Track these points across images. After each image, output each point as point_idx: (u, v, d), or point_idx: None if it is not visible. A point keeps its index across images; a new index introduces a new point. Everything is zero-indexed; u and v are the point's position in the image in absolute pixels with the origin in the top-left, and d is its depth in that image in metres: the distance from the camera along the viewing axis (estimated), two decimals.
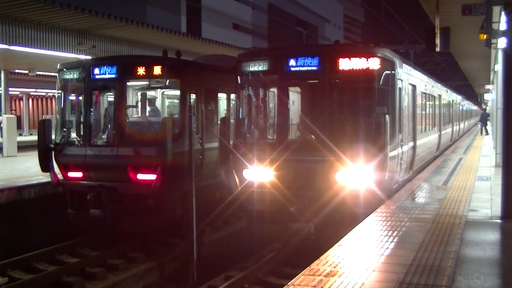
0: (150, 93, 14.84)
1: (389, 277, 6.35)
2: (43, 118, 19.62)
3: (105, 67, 12.79)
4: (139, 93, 15.17)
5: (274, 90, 12.15)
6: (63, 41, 21.64)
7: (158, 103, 15.38)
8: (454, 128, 30.09)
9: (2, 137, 24.42)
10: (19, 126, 38.14)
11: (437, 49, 18.97)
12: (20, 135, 37.82)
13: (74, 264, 11.79)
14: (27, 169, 17.29)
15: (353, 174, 10.45)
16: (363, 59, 10.67)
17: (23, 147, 25.18)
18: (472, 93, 75.32)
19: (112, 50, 24.17)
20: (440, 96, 21.72)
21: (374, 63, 10.70)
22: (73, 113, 13.84)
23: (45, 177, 14.17)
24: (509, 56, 10.23)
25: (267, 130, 12.30)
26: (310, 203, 10.71)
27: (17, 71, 31.55)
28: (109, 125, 13.50)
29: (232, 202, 12.21)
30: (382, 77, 10.98)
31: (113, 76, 12.74)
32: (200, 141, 13.61)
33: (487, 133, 40.91)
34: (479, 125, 43.80)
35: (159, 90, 15.04)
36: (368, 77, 10.89)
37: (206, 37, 31.28)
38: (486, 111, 46.69)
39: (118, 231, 12.92)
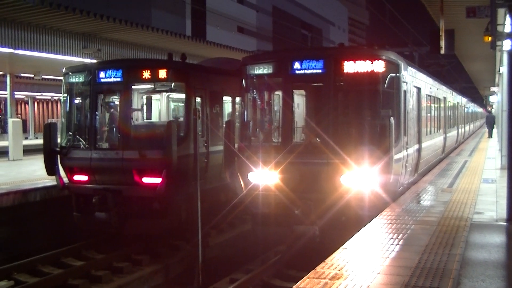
0: (110, 97, 14.26)
1: (394, 280, 6.35)
2: (49, 121, 19.70)
3: (110, 70, 12.83)
4: (144, 97, 15.21)
5: (279, 93, 12.16)
6: (68, 44, 21.72)
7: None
8: (460, 130, 30.02)
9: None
10: (25, 129, 38.25)
11: (442, 51, 18.93)
12: (26, 138, 37.95)
13: (80, 267, 11.82)
14: (32, 173, 17.35)
15: (358, 176, 10.44)
16: (368, 61, 10.67)
17: (28, 150, 25.25)
18: (477, 95, 75.18)
19: (117, 53, 24.24)
20: (445, 98, 21.68)
21: (378, 66, 10.70)
22: (79, 117, 13.87)
23: (50, 181, 14.22)
24: None
25: (272, 133, 12.30)
26: (315, 205, 10.71)
27: (22, 75, 31.62)
28: (114, 129, 13.54)
29: (237, 205, 12.22)
30: (387, 79, 10.98)
31: (119, 79, 12.77)
32: (205, 144, 13.63)
33: (491, 136, 40.74)
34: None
35: (164, 93, 15.07)
36: (373, 80, 10.90)
37: (211, 40, 31.34)
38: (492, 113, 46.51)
39: (124, 234, 12.95)
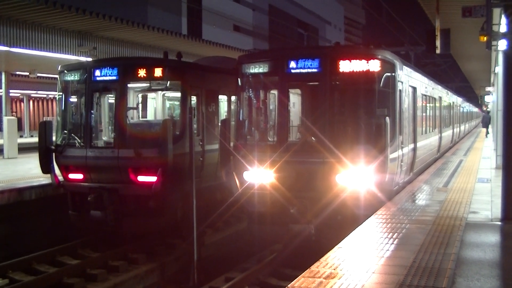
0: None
1: (389, 279, 6.36)
2: (44, 119, 19.64)
3: (106, 68, 12.80)
4: (140, 95, 15.19)
5: (274, 92, 12.16)
6: (64, 43, 21.66)
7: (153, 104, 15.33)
8: (455, 130, 30.09)
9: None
10: (20, 128, 38.14)
11: (438, 51, 18.95)
12: (21, 136, 37.81)
13: (75, 265, 11.79)
14: (28, 171, 17.30)
15: (354, 175, 10.46)
16: (364, 61, 10.68)
17: (24, 148, 25.17)
18: (472, 95, 75.37)
19: (113, 51, 24.19)
20: (440, 98, 21.72)
21: (374, 65, 10.71)
22: (74, 115, 13.84)
23: (46, 179, 14.18)
24: (509, 58, 10.23)
25: (268, 131, 12.31)
26: (311, 204, 10.72)
27: (18, 73, 31.55)
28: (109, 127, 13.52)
29: (232, 203, 12.24)
30: (383, 79, 10.99)
31: (114, 77, 12.75)
32: (200, 142, 13.63)
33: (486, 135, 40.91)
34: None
35: (159, 91, 15.05)
36: (369, 79, 10.91)
37: (207, 38, 31.32)
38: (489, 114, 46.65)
39: (119, 232, 12.93)
